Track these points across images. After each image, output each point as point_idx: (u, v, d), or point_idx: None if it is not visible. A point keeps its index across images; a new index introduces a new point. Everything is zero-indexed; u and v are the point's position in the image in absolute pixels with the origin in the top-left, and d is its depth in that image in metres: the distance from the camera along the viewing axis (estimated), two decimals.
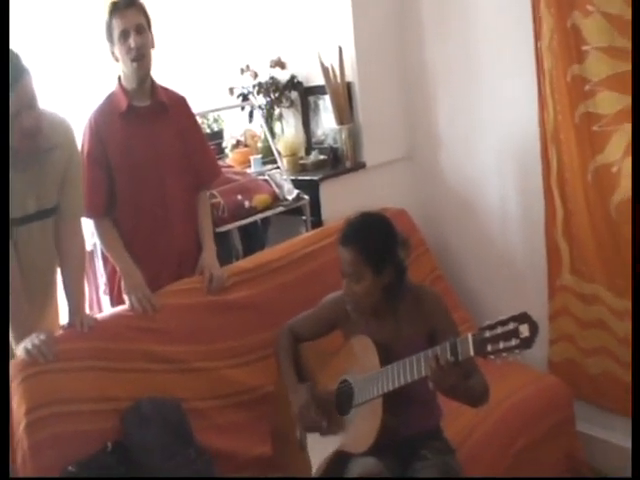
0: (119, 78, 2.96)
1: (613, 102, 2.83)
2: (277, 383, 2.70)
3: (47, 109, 2.60)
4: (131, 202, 2.95)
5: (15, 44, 2.46)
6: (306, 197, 3.50)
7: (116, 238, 2.94)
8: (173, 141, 2.99)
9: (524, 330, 1.98)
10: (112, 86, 2.99)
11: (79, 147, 2.81)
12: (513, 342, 1.99)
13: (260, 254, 3.29)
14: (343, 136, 3.63)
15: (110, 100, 2.96)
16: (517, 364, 2.95)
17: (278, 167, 3.65)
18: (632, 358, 2.29)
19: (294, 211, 3.53)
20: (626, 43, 2.74)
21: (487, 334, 2.04)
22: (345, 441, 2.39)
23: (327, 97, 3.64)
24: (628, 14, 2.70)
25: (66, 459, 2.43)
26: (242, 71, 4.01)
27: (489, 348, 2.03)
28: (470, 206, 3.57)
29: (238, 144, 3.98)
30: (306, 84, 3.83)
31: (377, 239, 2.39)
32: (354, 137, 3.63)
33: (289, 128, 3.93)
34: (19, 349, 2.52)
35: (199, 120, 3.39)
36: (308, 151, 3.82)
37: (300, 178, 3.61)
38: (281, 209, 3.48)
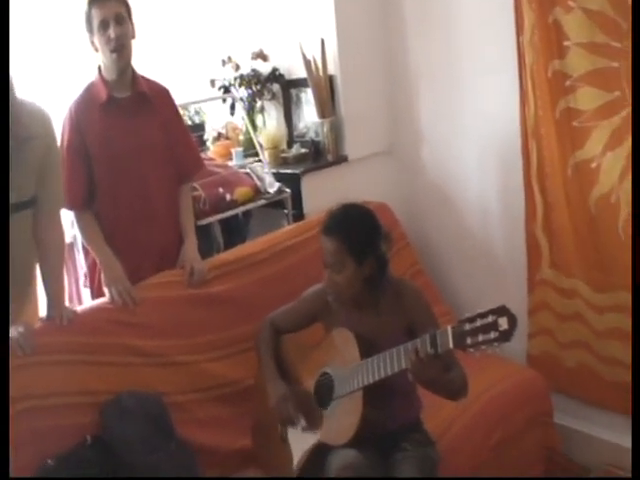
0: (99, 68, 2.93)
1: (593, 98, 2.84)
2: (257, 376, 2.70)
3: (25, 99, 2.57)
4: (111, 194, 2.92)
5: None
6: (288, 190, 3.49)
7: (96, 231, 2.91)
8: (154, 133, 2.97)
9: (503, 323, 1.99)
10: (92, 76, 2.95)
11: (58, 138, 2.77)
12: (492, 335, 2.00)
13: (241, 247, 3.29)
14: (325, 129, 3.62)
15: (90, 91, 2.93)
16: (496, 357, 2.99)
17: (260, 160, 3.65)
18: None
19: (275, 204, 3.52)
20: (606, 39, 2.75)
21: (466, 327, 2.05)
22: (326, 433, 2.39)
23: (309, 90, 3.63)
24: (609, 10, 2.72)
25: (45, 453, 2.42)
26: (223, 63, 3.99)
27: (468, 341, 2.04)
28: (451, 201, 3.58)
29: (219, 137, 3.97)
30: (288, 77, 3.82)
31: (359, 229, 2.40)
32: (336, 130, 3.63)
33: (271, 121, 3.92)
34: None
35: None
36: (290, 144, 3.81)
37: (282, 171, 3.60)
38: (262, 202, 3.47)
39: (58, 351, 2.59)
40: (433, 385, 2.25)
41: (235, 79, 3.87)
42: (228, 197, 3.35)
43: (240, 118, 3.92)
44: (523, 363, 3.27)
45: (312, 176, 3.57)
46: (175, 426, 2.62)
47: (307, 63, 3.55)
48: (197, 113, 4.09)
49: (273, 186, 3.47)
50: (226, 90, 3.92)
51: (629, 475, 2.87)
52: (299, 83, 3.75)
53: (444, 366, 2.24)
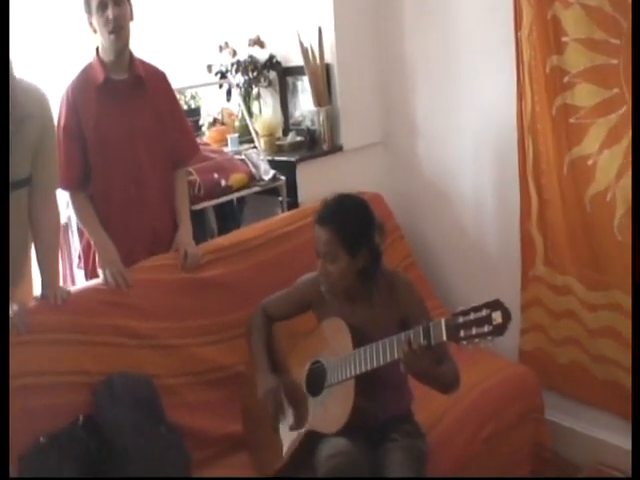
0: (97, 50, 2.92)
1: (591, 95, 2.83)
2: (248, 363, 2.71)
3: (23, 78, 2.57)
4: (105, 176, 2.93)
5: None
6: (282, 178, 3.49)
7: (91, 212, 2.92)
8: (149, 116, 2.97)
9: (497, 317, 2.00)
10: (90, 58, 2.95)
11: (55, 118, 2.77)
12: (486, 329, 2.01)
13: (236, 233, 3.29)
14: (321, 118, 3.62)
15: (87, 72, 2.92)
16: (488, 352, 3.00)
17: (255, 147, 3.65)
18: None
19: (270, 191, 3.52)
20: (605, 36, 2.75)
21: (460, 320, 2.06)
22: (316, 421, 2.40)
23: (306, 78, 3.62)
24: (607, 7, 2.72)
25: (38, 431, 2.44)
26: (221, 48, 3.99)
27: (462, 334, 2.05)
28: (445, 194, 3.58)
29: (215, 122, 3.96)
30: (285, 64, 3.81)
31: (354, 220, 2.40)
32: (332, 120, 3.63)
33: (267, 108, 3.92)
34: None
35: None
36: (285, 132, 3.81)
37: (277, 159, 3.60)
38: (257, 189, 3.47)
39: (52, 330, 2.60)
40: (425, 377, 2.25)
41: (232, 65, 3.86)
42: (223, 183, 3.35)
43: (236, 104, 3.91)
44: (515, 359, 3.27)
45: (307, 164, 3.56)
46: (165, 409, 2.63)
47: (304, 51, 3.55)
48: (193, 98, 4.08)
49: (268, 173, 3.46)
50: (222, 76, 3.91)
51: (619, 474, 2.93)
52: (296, 71, 3.74)
53: (436, 358, 2.25)
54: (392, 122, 3.77)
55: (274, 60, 3.81)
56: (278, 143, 3.71)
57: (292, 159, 3.55)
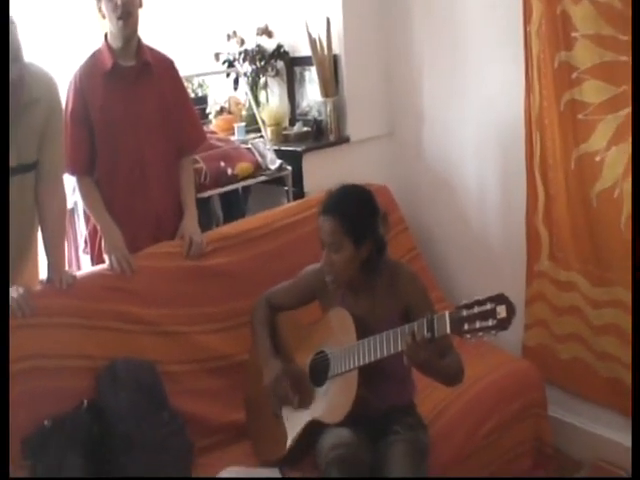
0: (105, 36, 2.93)
1: (600, 91, 2.82)
2: (252, 352, 2.72)
3: (32, 62, 2.59)
4: (110, 162, 2.94)
5: None
6: (289, 168, 3.49)
7: (97, 197, 2.93)
8: (156, 103, 2.97)
9: (501, 311, 2.01)
10: (98, 44, 2.95)
11: (62, 103, 2.78)
12: (490, 322, 2.02)
13: (241, 222, 3.30)
14: (328, 109, 3.62)
15: (95, 58, 2.93)
16: (491, 346, 3.01)
17: (262, 136, 3.65)
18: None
19: (276, 181, 3.52)
20: (613, 32, 2.74)
21: (464, 313, 2.07)
22: (320, 411, 2.41)
23: (313, 69, 3.62)
24: (617, 3, 2.70)
25: (42, 414, 2.45)
26: (228, 37, 3.98)
27: (466, 327, 2.06)
28: (451, 187, 3.57)
29: (222, 111, 3.95)
30: (292, 54, 3.81)
31: (358, 211, 2.41)
32: (338, 111, 3.63)
33: (274, 98, 3.91)
34: None
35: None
36: (292, 122, 3.81)
37: (283, 148, 3.60)
38: (263, 178, 3.47)
39: (57, 314, 2.61)
40: (428, 369, 2.26)
41: (239, 54, 3.86)
42: (229, 171, 3.35)
43: (243, 93, 3.91)
44: (518, 354, 3.27)
45: (313, 155, 3.56)
46: (168, 396, 2.64)
47: (312, 42, 3.54)
48: (200, 86, 4.08)
49: (274, 163, 3.46)
50: (230, 64, 3.91)
51: (619, 471, 2.93)
52: (303, 61, 3.74)
53: (440, 351, 2.26)
54: (399, 114, 3.76)
55: (282, 50, 3.81)
56: (285, 133, 3.71)
57: (298, 149, 3.55)
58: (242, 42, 3.91)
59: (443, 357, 2.30)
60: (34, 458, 2.40)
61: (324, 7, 3.57)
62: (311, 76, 3.71)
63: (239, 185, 3.45)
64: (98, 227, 2.93)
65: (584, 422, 3.21)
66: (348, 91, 3.63)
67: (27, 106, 2.53)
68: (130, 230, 2.94)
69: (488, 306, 2.03)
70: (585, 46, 2.85)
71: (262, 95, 3.90)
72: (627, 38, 2.69)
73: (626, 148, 2.77)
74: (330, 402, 2.40)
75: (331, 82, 3.59)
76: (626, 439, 2.71)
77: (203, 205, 3.27)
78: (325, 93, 3.60)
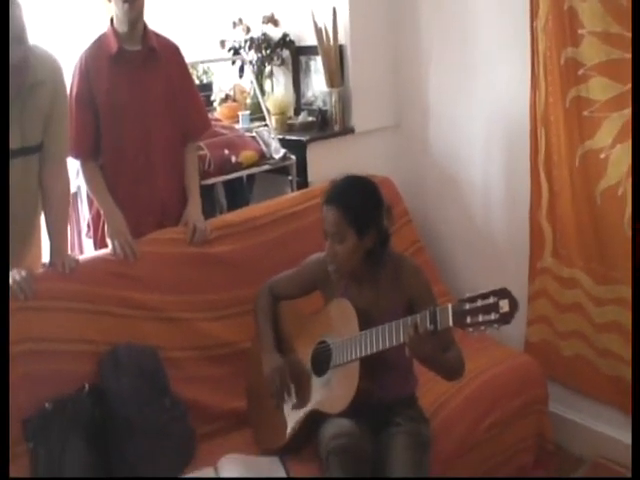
0: (111, 20, 2.92)
1: (606, 89, 2.82)
2: (254, 341, 2.72)
3: (37, 45, 2.58)
4: (115, 146, 2.94)
5: None
6: (293, 157, 3.49)
7: (101, 182, 2.92)
8: (160, 88, 2.97)
9: (504, 305, 2.01)
10: (104, 28, 2.94)
11: (67, 86, 2.78)
12: (492, 316, 2.02)
13: (245, 210, 3.30)
14: (333, 99, 3.61)
15: (101, 42, 2.92)
16: (494, 341, 3.02)
17: (266, 125, 3.65)
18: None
19: (280, 170, 3.52)
20: (620, 30, 2.73)
21: (467, 306, 2.07)
22: (321, 401, 2.42)
23: (319, 58, 3.61)
24: (623, 0, 2.70)
25: (43, 396, 2.46)
26: (234, 25, 3.98)
27: (468, 320, 2.06)
28: (455, 181, 3.57)
29: (227, 98, 3.96)
30: (298, 43, 3.80)
31: (361, 201, 2.41)
32: (344, 101, 3.62)
33: (279, 87, 3.91)
34: None
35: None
36: (297, 111, 3.81)
37: (288, 138, 3.59)
38: (267, 167, 3.47)
39: (58, 298, 2.62)
40: (430, 362, 2.26)
41: (245, 42, 3.86)
42: (233, 159, 3.35)
43: (248, 81, 3.90)
44: (521, 349, 3.27)
45: (318, 145, 3.56)
46: (170, 382, 2.64)
47: (318, 31, 3.53)
48: (205, 73, 4.07)
49: (279, 152, 3.46)
50: (236, 52, 3.91)
51: (620, 468, 2.95)
52: (309, 51, 3.73)
53: (442, 345, 2.27)
54: (404, 106, 3.76)
55: (287, 39, 3.80)
56: (289, 122, 3.71)
57: (303, 139, 3.54)
58: (248, 30, 3.90)
59: (445, 351, 2.31)
60: (35, 440, 2.41)
61: None
62: (317, 66, 3.71)
63: (243, 173, 3.44)
64: (101, 212, 2.93)
65: (585, 419, 3.22)
66: (354, 82, 3.62)
67: (31, 88, 2.53)
68: (134, 215, 2.94)
69: (491, 300, 2.03)
70: (592, 43, 2.84)
71: (267, 84, 3.90)
72: None
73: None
74: (332, 392, 2.40)
75: (337, 72, 3.59)
76: (627, 437, 2.72)
77: (207, 192, 3.27)
78: (330, 83, 3.59)
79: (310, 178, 3.53)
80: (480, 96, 3.38)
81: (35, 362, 2.49)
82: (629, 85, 2.74)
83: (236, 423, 2.72)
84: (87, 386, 2.52)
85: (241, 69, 3.88)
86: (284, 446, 2.49)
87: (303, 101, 3.83)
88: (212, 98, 3.97)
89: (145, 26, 2.94)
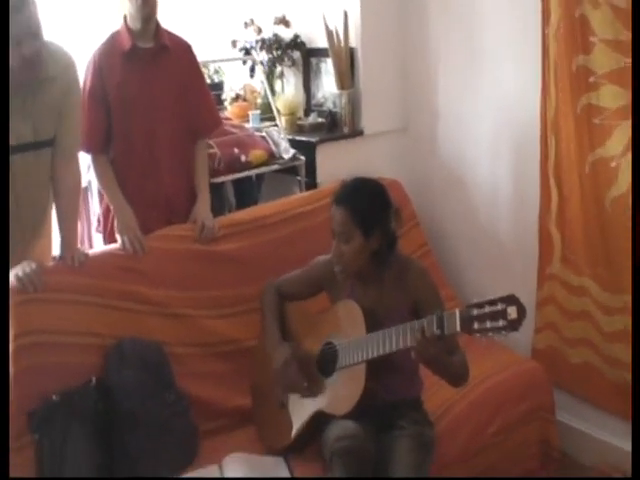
0: (125, 18, 2.94)
1: (616, 97, 2.81)
2: (260, 339, 2.73)
3: (52, 41, 2.61)
4: (124, 141, 2.96)
5: None
6: (302, 158, 3.50)
7: (112, 177, 2.95)
8: (172, 85, 2.99)
9: (512, 312, 2.01)
10: (117, 25, 2.97)
11: (80, 82, 2.80)
12: (500, 323, 2.02)
13: (253, 208, 3.32)
14: (343, 101, 3.62)
15: (114, 39, 2.95)
16: (501, 346, 3.00)
17: (276, 125, 3.66)
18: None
19: (288, 170, 3.53)
20: (631, 37, 2.70)
21: (474, 312, 2.07)
22: (326, 402, 2.42)
23: (329, 60, 3.62)
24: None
25: (49, 388, 2.47)
26: (246, 25, 3.99)
27: (475, 326, 2.06)
28: (463, 185, 3.57)
29: (237, 98, 3.97)
30: (309, 45, 3.82)
31: (369, 202, 2.43)
32: (353, 103, 3.63)
33: (289, 87, 3.92)
34: (10, 275, 2.54)
35: None
36: (307, 112, 3.82)
37: (297, 138, 3.61)
38: (276, 167, 3.48)
39: (67, 291, 2.64)
40: (435, 365, 2.26)
41: (257, 42, 3.87)
42: (243, 158, 3.36)
43: (259, 81, 3.92)
44: (528, 355, 3.24)
45: (327, 146, 3.57)
46: (174, 377, 2.65)
47: (329, 34, 3.54)
48: (216, 72, 4.09)
49: (288, 152, 3.48)
50: (247, 52, 3.92)
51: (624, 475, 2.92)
52: (320, 52, 3.74)
53: (448, 350, 2.27)
54: (414, 109, 3.76)
55: (298, 40, 3.82)
56: (299, 123, 3.72)
57: (312, 140, 3.55)
58: (259, 30, 3.91)
59: (450, 355, 2.30)
60: (40, 432, 2.42)
61: (342, 0, 3.56)
62: (327, 68, 3.72)
63: (252, 172, 3.46)
64: (111, 206, 2.95)
65: (592, 428, 3.18)
66: (364, 84, 3.63)
67: (43, 83, 2.56)
68: (141, 211, 2.95)
69: (499, 306, 2.03)
70: (603, 51, 2.83)
71: (278, 84, 3.91)
72: None
73: None
74: (337, 393, 2.41)
75: (347, 74, 3.60)
76: None
77: (216, 190, 3.28)
78: (341, 85, 3.60)
79: (319, 179, 3.54)
80: (489, 100, 3.37)
81: (42, 354, 2.51)
82: None
83: (240, 421, 2.73)
84: (94, 379, 2.53)
85: (252, 69, 3.90)
86: (289, 446, 2.50)
87: (313, 102, 3.84)
88: (223, 97, 3.98)
89: (158, 24, 2.96)
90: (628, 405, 2.89)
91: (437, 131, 3.66)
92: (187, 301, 2.86)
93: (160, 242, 2.90)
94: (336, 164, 3.50)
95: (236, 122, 3.72)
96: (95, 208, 3.33)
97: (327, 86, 3.75)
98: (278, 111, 3.70)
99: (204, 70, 3.81)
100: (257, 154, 3.42)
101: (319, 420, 2.41)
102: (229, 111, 3.89)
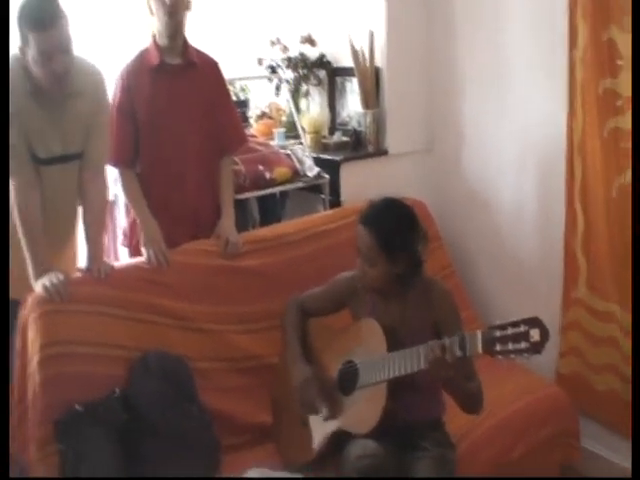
0: (153, 35, 2.98)
1: None
2: (282, 356, 2.72)
3: (82, 58, 2.66)
4: (151, 155, 3.00)
5: None
6: (326, 176, 3.52)
7: (139, 190, 2.98)
8: (199, 102, 3.02)
9: (535, 334, 2.00)
10: (146, 42, 3.01)
11: (109, 98, 2.85)
12: (523, 345, 2.02)
13: (277, 226, 3.34)
14: (368, 120, 3.63)
15: (143, 55, 3.00)
16: (524, 368, 2.98)
17: (301, 143, 3.68)
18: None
19: (313, 188, 3.55)
20: None
21: (497, 333, 2.06)
22: (347, 421, 2.40)
23: (354, 80, 3.65)
24: None
25: (74, 398, 2.48)
26: (272, 43, 4.02)
27: (498, 347, 2.06)
28: (488, 206, 3.56)
29: (263, 115, 3.99)
30: (334, 64, 3.84)
31: (397, 226, 2.40)
32: (378, 123, 3.64)
33: (314, 106, 3.95)
34: (37, 285, 2.58)
35: None
36: (331, 131, 3.84)
37: (322, 157, 3.62)
38: (301, 185, 3.50)
39: (92, 302, 2.66)
40: (452, 387, 2.27)
41: (283, 60, 3.91)
42: (267, 175, 3.39)
43: (284, 99, 3.94)
44: (552, 379, 3.20)
45: (351, 165, 3.58)
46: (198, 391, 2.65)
47: (355, 53, 3.57)
48: (242, 90, 4.11)
49: (312, 170, 3.49)
50: (273, 70, 3.95)
51: None
52: (345, 72, 3.76)
53: (465, 374, 2.26)
54: (438, 129, 3.77)
55: (324, 59, 3.85)
56: (324, 141, 3.73)
57: (337, 158, 3.57)
58: (285, 49, 3.94)
59: (467, 381, 2.30)
60: (64, 441, 2.43)
61: (368, 20, 3.60)
62: (352, 87, 3.74)
63: (277, 189, 3.48)
64: (137, 220, 2.97)
65: (615, 455, 3.11)
66: (389, 104, 3.64)
67: (69, 98, 2.62)
68: (167, 224, 2.97)
69: (522, 328, 2.03)
70: (630, 74, 2.80)
71: (303, 102, 3.94)
72: None
73: None
74: (358, 412, 2.39)
75: (372, 94, 3.61)
76: None
77: (241, 206, 3.30)
78: (366, 104, 3.62)
79: (342, 197, 3.54)
80: (514, 121, 3.37)
81: (67, 364, 2.53)
82: None
83: (261, 437, 2.72)
84: (117, 390, 2.54)
85: (277, 87, 3.93)
86: (308, 463, 2.49)
87: (338, 121, 3.86)
88: (248, 114, 4.01)
89: (185, 41, 3.00)
90: None
91: (462, 152, 3.67)
92: (211, 316, 2.87)
93: (185, 256, 2.92)
94: (360, 183, 3.51)
95: (261, 139, 3.75)
96: (121, 222, 3.36)
97: (352, 105, 3.77)
98: (303, 129, 3.72)
99: (230, 87, 3.84)
100: (281, 171, 3.44)
101: (339, 438, 2.40)
102: (254, 128, 3.91)
